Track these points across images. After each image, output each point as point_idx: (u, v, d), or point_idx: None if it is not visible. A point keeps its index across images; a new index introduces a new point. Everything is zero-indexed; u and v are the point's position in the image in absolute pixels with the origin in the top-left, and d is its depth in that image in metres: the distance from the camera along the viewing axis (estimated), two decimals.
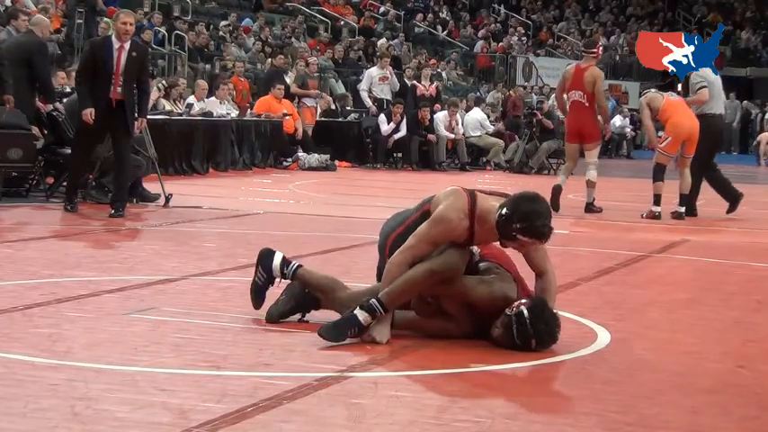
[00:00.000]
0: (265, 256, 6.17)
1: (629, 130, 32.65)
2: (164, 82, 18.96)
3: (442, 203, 5.67)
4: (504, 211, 5.50)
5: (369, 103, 21.98)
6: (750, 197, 18.29)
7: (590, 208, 13.86)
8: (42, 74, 12.75)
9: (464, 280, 5.68)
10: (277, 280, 6.15)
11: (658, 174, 13.54)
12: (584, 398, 4.94)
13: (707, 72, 13.64)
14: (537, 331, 5.53)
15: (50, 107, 12.76)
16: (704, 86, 13.54)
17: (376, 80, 22.14)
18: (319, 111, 22.48)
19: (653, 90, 14.72)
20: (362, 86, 22.56)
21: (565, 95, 13.94)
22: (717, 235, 12.14)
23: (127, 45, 11.26)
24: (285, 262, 6.12)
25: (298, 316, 6.09)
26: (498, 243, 5.74)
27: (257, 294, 6.18)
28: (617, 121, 31.05)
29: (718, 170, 14.22)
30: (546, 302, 5.64)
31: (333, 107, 23.31)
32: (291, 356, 5.34)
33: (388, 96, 22.03)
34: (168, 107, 18.03)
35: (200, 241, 9.85)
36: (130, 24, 11.40)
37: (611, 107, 23.33)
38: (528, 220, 5.47)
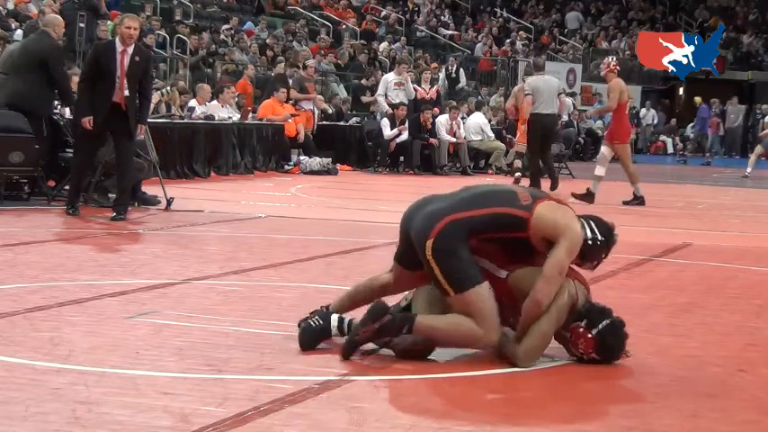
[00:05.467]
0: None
1: None
2: (168, 89, 18.94)
3: (569, 226, 5.45)
4: (599, 238, 5.69)
5: (386, 107, 21.88)
6: (752, 200, 18.32)
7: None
8: (59, 77, 12.57)
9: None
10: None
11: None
12: (585, 402, 4.94)
13: (534, 80, 17.29)
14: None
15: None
16: (528, 94, 17.21)
17: (392, 85, 22.06)
18: (317, 114, 22.41)
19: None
20: (379, 91, 22.45)
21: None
22: (718, 239, 12.12)
23: (130, 49, 11.25)
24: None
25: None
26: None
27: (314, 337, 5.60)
28: None
29: (552, 157, 18.14)
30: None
31: (330, 111, 23.28)
32: (292, 360, 5.34)
33: (404, 101, 21.96)
34: (173, 110, 18.04)
35: (201, 245, 9.86)
36: (134, 29, 11.37)
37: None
38: (611, 245, 5.79)
